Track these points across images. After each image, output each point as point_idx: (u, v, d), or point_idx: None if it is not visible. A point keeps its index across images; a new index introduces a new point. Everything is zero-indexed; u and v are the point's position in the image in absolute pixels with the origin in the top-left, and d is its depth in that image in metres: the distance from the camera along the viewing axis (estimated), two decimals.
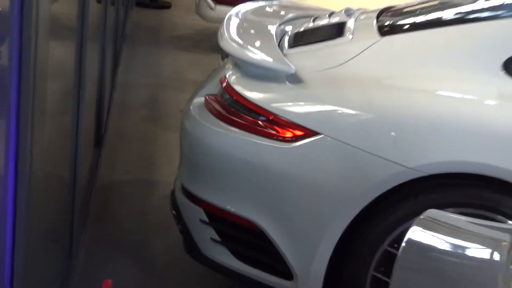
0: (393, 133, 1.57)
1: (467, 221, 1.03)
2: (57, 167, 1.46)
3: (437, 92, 1.65)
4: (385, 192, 1.51)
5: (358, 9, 2.12)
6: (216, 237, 1.67)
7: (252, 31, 2.08)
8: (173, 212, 1.84)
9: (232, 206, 1.66)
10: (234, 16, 2.08)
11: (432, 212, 1.01)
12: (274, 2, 2.54)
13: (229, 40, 1.80)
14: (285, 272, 1.60)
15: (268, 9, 2.39)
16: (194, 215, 1.70)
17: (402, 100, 1.63)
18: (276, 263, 1.60)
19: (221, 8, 3.57)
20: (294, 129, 1.58)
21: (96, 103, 2.43)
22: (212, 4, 3.83)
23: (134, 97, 3.41)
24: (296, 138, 1.58)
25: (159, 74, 3.76)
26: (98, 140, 2.45)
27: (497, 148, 1.52)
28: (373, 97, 1.63)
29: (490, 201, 1.53)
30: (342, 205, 1.56)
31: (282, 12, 2.32)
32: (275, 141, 1.59)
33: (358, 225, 1.53)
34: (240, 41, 1.81)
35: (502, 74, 1.58)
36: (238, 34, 1.89)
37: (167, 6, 5.31)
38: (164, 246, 2.10)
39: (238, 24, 2.03)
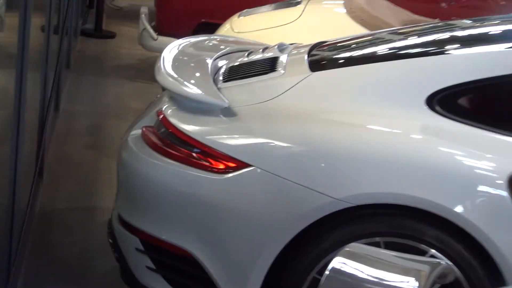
0: (322, 165, 1.65)
1: (389, 254, 1.08)
2: None
3: (365, 126, 1.72)
4: (315, 222, 1.57)
5: (291, 44, 2.21)
6: (152, 265, 1.71)
7: (189, 65, 2.13)
8: (110, 240, 1.88)
9: (167, 235, 1.70)
10: (171, 49, 2.15)
11: (355, 245, 1.08)
12: (214, 36, 2.68)
13: (165, 74, 1.87)
14: None
15: (206, 43, 2.46)
16: (130, 244, 1.74)
17: (331, 133, 1.71)
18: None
19: (163, 39, 3.71)
20: (227, 161, 1.64)
21: (38, 131, 2.46)
22: (155, 35, 3.97)
23: (77, 125, 3.45)
24: (228, 170, 1.64)
25: (102, 102, 3.81)
26: (39, 168, 2.46)
27: (420, 180, 1.58)
28: (303, 130, 1.70)
29: (414, 231, 1.60)
30: (272, 235, 1.61)
31: (220, 46, 2.40)
32: (209, 173, 1.65)
33: (289, 253, 1.59)
34: (175, 75, 1.88)
35: (425, 109, 1.66)
36: (174, 68, 1.96)
37: (112, 36, 5.42)
38: (103, 274, 2.13)
39: (175, 57, 2.10)
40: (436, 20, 3.24)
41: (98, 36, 5.38)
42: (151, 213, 1.77)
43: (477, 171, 1.63)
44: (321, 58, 2.08)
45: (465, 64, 1.86)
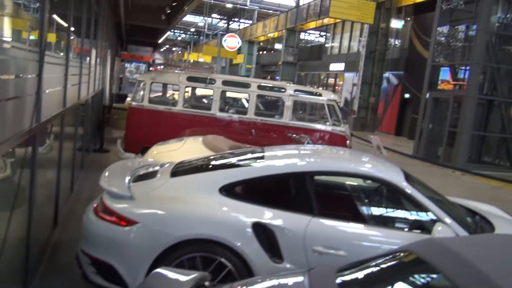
0: (174, 222, 3.13)
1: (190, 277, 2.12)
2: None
3: (193, 203, 3.24)
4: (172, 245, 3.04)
5: (169, 163, 3.93)
6: (95, 270, 3.17)
7: (117, 174, 3.64)
8: (76, 260, 3.34)
9: (101, 255, 3.13)
10: (113, 166, 3.89)
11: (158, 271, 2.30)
12: (139, 159, 4.91)
13: (102, 179, 3.42)
14: (124, 285, 3.06)
15: (132, 162, 4.31)
16: (84, 260, 3.22)
17: (179, 206, 3.21)
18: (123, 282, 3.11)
19: (127, 154, 7.64)
20: (128, 220, 3.11)
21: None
22: (122, 151, 7.72)
23: (84, 198, 7.24)
24: (129, 224, 3.10)
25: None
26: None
27: (215, 227, 3.10)
28: (166, 205, 3.21)
29: (213, 250, 3.07)
30: (149, 253, 3.06)
31: (139, 164, 4.11)
32: (120, 226, 3.09)
33: (159, 260, 3.07)
34: (106, 179, 3.40)
35: (218, 194, 3.25)
36: (109, 175, 3.54)
37: (107, 151, 9.54)
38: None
39: (114, 169, 3.79)
40: (248, 146, 6.85)
41: (100, 151, 9.54)
42: (93, 245, 3.19)
43: (238, 222, 3.12)
44: (177, 170, 3.63)
45: (243, 171, 3.48)
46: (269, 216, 3.19)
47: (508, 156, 13.77)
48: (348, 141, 7.88)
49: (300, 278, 2.01)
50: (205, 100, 9.07)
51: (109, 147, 9.67)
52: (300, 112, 8.55)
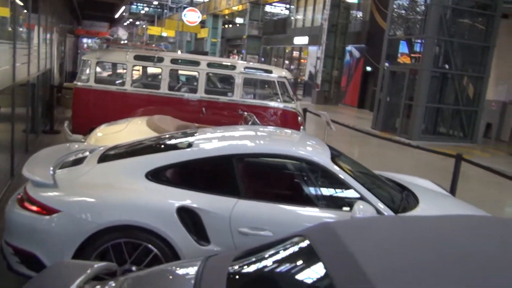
0: (98, 208, 3.09)
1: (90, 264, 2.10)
2: None
3: (120, 188, 3.21)
4: (96, 232, 3.02)
5: (102, 147, 3.86)
6: (18, 260, 3.12)
7: (42, 160, 3.52)
8: (1, 252, 3.23)
9: (23, 246, 3.07)
10: (40, 153, 3.73)
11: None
12: (75, 145, 4.34)
13: (25, 167, 3.30)
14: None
15: (66, 147, 4.07)
16: (7, 251, 3.14)
17: (105, 192, 3.17)
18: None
19: (75, 135, 7.42)
20: (50, 209, 3.05)
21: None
22: (70, 133, 7.28)
23: None
24: (50, 213, 3.04)
25: None
26: None
27: (139, 213, 3.08)
28: (91, 192, 3.17)
29: (138, 235, 3.08)
30: (74, 240, 3.01)
31: (70, 149, 3.96)
32: (41, 215, 3.06)
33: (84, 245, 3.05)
34: (30, 167, 3.31)
35: (146, 180, 3.24)
36: (34, 162, 3.47)
37: (58, 132, 9.29)
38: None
39: (40, 156, 3.66)
40: (196, 125, 6.74)
41: (50, 132, 9.31)
42: (15, 235, 3.11)
43: (162, 207, 3.12)
44: (105, 155, 3.58)
45: (169, 156, 3.42)
46: (195, 199, 3.20)
47: (461, 127, 14.21)
48: (299, 118, 7.93)
49: (194, 267, 2.01)
50: (153, 79, 8.88)
51: (61, 127, 9.39)
52: (251, 89, 8.51)
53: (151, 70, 8.82)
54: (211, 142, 3.66)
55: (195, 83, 7.87)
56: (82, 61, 7.60)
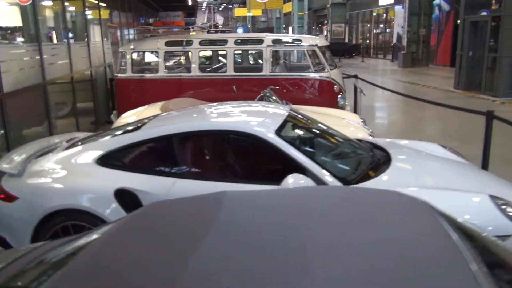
0: (51, 193, 3.34)
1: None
2: None
3: (76, 175, 3.37)
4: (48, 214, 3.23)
5: (74, 137, 4.11)
6: None
7: (25, 150, 3.78)
8: None
9: None
10: (30, 144, 3.97)
11: None
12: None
13: (2, 159, 3.62)
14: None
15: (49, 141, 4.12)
16: None
17: (65, 178, 3.37)
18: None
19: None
20: (11, 196, 3.34)
21: None
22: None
23: None
24: (12, 200, 3.31)
25: None
26: None
27: (82, 197, 3.25)
28: (41, 180, 3.38)
29: (79, 217, 3.23)
30: (30, 221, 3.25)
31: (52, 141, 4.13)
32: (5, 202, 3.34)
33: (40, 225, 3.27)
34: (6, 158, 3.64)
35: (95, 165, 3.39)
36: (15, 153, 3.75)
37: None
38: None
39: (26, 147, 3.88)
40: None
41: (111, 123, 10.07)
42: None
43: (103, 190, 3.24)
44: (73, 143, 3.83)
45: (115, 140, 3.56)
46: (135, 181, 3.26)
47: None
48: (335, 86, 7.54)
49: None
50: (185, 63, 9.03)
51: None
52: (283, 61, 8.26)
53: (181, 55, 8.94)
54: (157, 123, 3.68)
55: (224, 62, 7.88)
56: (120, 53, 8.03)
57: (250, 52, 8.73)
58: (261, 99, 6.06)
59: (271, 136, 3.22)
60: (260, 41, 7.50)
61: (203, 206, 1.80)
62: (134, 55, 8.01)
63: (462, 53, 13.60)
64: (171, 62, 8.78)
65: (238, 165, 3.61)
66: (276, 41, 7.50)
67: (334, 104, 7.42)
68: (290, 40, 7.70)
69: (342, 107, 7.62)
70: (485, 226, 2.79)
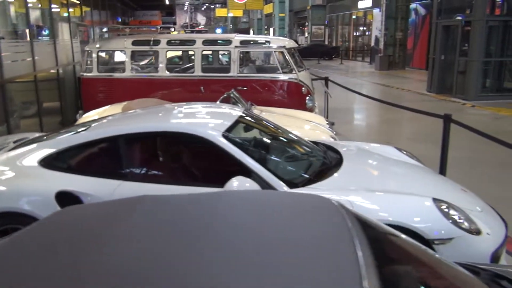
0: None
1: None
2: None
3: (19, 177, 3.27)
4: None
5: (23, 138, 4.10)
6: None
7: None
8: None
9: None
10: None
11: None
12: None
13: None
14: None
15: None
16: None
17: (14, 178, 3.26)
18: None
19: None
20: None
21: None
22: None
23: None
24: None
25: None
26: None
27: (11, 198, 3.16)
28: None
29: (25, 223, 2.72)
30: None
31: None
32: None
33: None
34: None
35: (38, 166, 3.28)
36: None
37: None
38: None
39: None
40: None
41: None
42: None
43: (44, 193, 3.12)
44: (20, 143, 3.77)
45: (58, 141, 3.45)
46: (78, 184, 3.18)
47: None
48: (303, 88, 7.54)
49: None
50: (152, 63, 8.95)
51: None
52: (250, 63, 8.23)
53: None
54: (105, 124, 3.60)
55: (193, 63, 7.81)
56: (86, 51, 7.90)
57: (221, 53, 8.67)
58: (225, 100, 6.02)
59: (218, 138, 3.17)
60: (228, 42, 7.46)
61: (118, 211, 1.75)
62: (101, 54, 7.88)
63: (434, 56, 13.79)
64: (143, 62, 8.65)
65: (184, 167, 3.55)
66: (244, 42, 7.46)
67: (302, 106, 7.42)
68: (258, 41, 7.67)
69: (311, 109, 7.62)
70: (428, 228, 2.81)
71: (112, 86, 7.72)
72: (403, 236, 1.78)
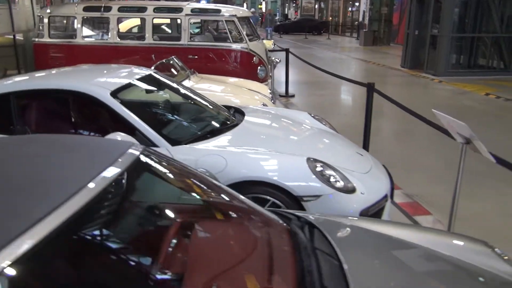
0: None
1: None
2: None
3: None
4: None
5: None
6: None
7: None
8: None
9: None
10: None
11: None
12: None
13: None
14: None
15: None
16: None
17: None
18: None
19: None
20: None
21: None
22: None
23: None
24: None
25: None
26: None
27: None
28: None
29: None
30: None
31: None
32: None
33: None
34: None
35: None
36: None
37: None
38: None
39: None
40: None
41: None
42: None
43: None
44: None
45: None
46: None
47: (501, 57, 12.51)
48: (254, 58, 7.53)
49: None
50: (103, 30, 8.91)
51: None
52: (208, 32, 8.20)
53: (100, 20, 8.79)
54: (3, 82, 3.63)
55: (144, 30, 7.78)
56: (38, 17, 7.85)
57: (173, 20, 8.63)
58: (161, 66, 6.02)
59: (105, 97, 3.22)
60: (180, 10, 7.42)
61: None
62: (52, 20, 7.83)
63: (409, 31, 13.71)
64: (99, 29, 8.60)
65: (73, 125, 3.60)
66: (195, 10, 7.42)
67: (254, 76, 7.44)
68: (209, 10, 7.63)
69: (264, 79, 7.64)
70: (297, 186, 2.91)
71: (63, 52, 7.70)
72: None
